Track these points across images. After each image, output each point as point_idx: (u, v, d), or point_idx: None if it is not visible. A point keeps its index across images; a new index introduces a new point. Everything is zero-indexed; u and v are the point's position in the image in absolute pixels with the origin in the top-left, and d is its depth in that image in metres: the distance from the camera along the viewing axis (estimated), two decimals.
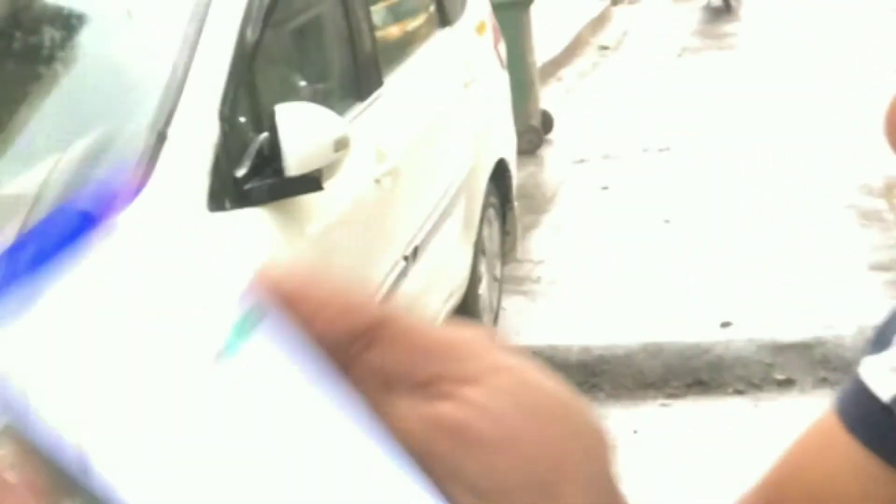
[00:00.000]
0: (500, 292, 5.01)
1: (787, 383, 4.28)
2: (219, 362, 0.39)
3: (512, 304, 5.11)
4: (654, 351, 4.54)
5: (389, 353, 0.44)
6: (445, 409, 0.43)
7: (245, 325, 0.40)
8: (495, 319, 4.90)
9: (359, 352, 0.44)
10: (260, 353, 0.40)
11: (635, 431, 4.09)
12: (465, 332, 0.45)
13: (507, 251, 5.15)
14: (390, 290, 3.68)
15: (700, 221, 5.88)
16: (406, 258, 3.85)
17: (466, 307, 4.54)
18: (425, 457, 0.43)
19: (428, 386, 0.44)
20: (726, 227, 5.76)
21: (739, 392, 4.28)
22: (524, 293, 5.28)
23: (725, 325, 4.68)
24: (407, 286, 3.83)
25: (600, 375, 4.45)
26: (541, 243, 5.91)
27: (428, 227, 4.07)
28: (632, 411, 4.22)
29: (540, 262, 5.66)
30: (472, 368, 0.44)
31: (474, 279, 4.59)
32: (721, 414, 4.18)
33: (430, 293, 4.15)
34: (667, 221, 5.89)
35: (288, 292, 0.43)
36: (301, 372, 0.41)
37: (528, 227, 5.84)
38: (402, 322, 0.44)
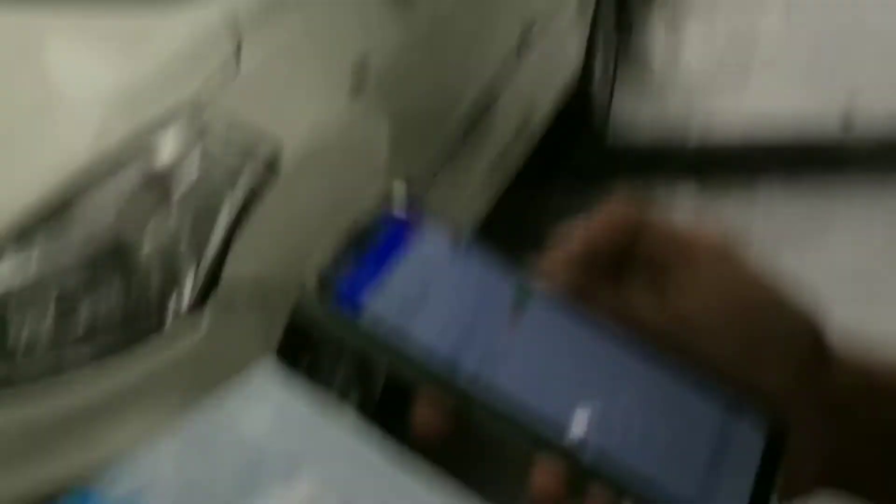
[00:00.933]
0: (614, 87, 4.90)
1: None
2: (519, 311, 0.54)
3: (625, 100, 5.01)
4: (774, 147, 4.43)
5: (642, 252, 0.55)
6: (674, 302, 0.54)
7: (525, 290, 0.54)
8: (608, 114, 4.81)
9: (624, 254, 0.55)
10: (544, 305, 0.54)
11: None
12: (702, 234, 0.55)
13: (622, 45, 5.01)
14: (503, 81, 3.61)
15: (825, 8, 5.65)
16: (519, 47, 3.76)
17: (579, 101, 4.45)
18: (658, 338, 0.54)
19: (663, 280, 0.54)
20: (852, 13, 5.54)
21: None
22: (638, 89, 5.16)
23: (848, 120, 4.54)
24: (520, 77, 3.75)
25: (716, 170, 4.36)
26: (655, 38, 5.76)
27: (543, 13, 3.96)
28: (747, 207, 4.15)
29: (655, 56, 5.52)
30: (699, 268, 0.54)
31: (588, 73, 4.49)
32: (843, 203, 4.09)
33: (543, 85, 4.07)
34: (788, 14, 5.69)
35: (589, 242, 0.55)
36: (574, 312, 0.55)
37: (643, 21, 5.67)
38: (654, 226, 0.55)
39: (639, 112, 4.95)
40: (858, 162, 4.26)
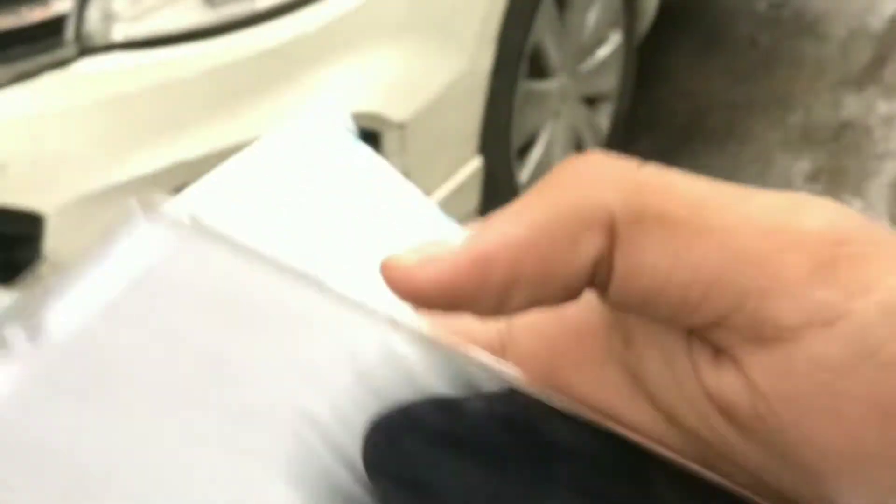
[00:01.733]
0: None
1: None
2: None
3: None
4: None
5: (631, 284, 0.27)
6: (725, 388, 0.27)
7: None
8: None
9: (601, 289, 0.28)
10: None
11: None
12: (789, 227, 0.25)
13: None
14: None
15: None
16: None
17: None
18: (695, 439, 0.28)
19: (700, 335, 0.27)
20: None
21: None
22: None
23: None
24: None
25: None
26: None
27: None
28: None
29: None
30: (780, 312, 0.25)
31: None
32: None
33: None
34: None
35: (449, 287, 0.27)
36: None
37: None
38: (655, 219, 0.26)
39: None
40: None
